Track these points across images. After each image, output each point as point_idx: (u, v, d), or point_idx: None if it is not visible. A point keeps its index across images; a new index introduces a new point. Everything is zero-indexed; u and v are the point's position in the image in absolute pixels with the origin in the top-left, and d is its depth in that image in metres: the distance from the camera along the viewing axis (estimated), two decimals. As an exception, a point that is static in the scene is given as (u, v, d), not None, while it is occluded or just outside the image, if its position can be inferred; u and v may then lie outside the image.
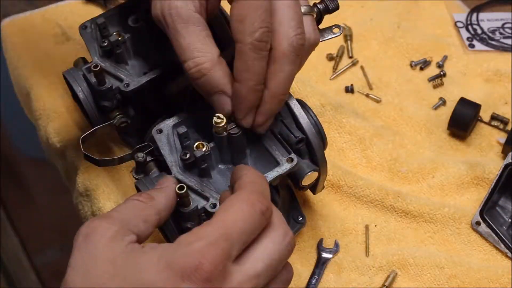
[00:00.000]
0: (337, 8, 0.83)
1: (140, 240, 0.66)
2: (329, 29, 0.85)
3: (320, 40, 0.84)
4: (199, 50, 0.73)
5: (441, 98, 1.10)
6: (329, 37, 0.85)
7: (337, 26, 0.85)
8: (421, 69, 1.14)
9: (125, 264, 0.61)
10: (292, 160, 0.79)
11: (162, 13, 0.74)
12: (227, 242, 0.61)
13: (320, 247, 0.95)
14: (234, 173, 0.72)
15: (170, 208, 0.73)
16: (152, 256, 0.61)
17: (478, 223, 0.96)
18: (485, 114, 1.07)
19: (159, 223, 0.71)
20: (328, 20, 0.85)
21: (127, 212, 0.67)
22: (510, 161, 0.96)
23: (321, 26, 0.84)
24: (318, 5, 0.83)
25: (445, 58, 1.15)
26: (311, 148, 0.83)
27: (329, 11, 0.83)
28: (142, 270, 0.60)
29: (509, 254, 0.94)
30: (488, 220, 0.95)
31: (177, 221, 0.78)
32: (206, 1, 0.75)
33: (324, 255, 0.94)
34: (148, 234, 0.67)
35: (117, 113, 0.92)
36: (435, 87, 1.12)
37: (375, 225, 0.97)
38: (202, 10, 0.75)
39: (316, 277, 0.92)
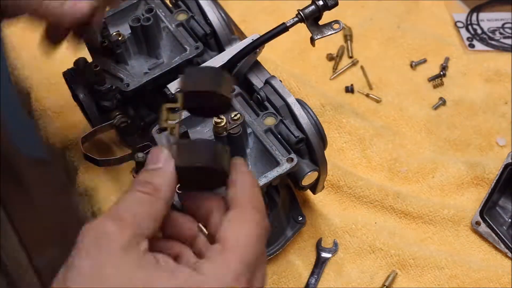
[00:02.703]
0: (336, 4, 0.83)
1: (150, 240, 0.62)
2: (329, 25, 0.84)
3: (320, 36, 0.83)
4: None
5: (441, 98, 1.10)
6: (329, 33, 0.84)
7: (336, 22, 0.84)
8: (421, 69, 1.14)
9: (140, 282, 0.57)
10: (292, 160, 0.79)
11: None
12: (249, 272, 0.59)
13: (319, 247, 0.95)
14: (232, 171, 0.65)
15: (174, 193, 0.64)
16: (170, 279, 0.58)
17: (478, 223, 0.96)
18: (485, 114, 1.07)
19: (165, 217, 0.64)
20: (328, 20, 0.85)
21: (137, 210, 0.61)
22: (510, 161, 0.96)
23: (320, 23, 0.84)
24: (317, 2, 0.82)
25: (445, 58, 1.15)
26: (311, 148, 0.83)
27: (328, 7, 0.82)
28: None
29: (509, 254, 0.94)
30: (488, 220, 0.95)
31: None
32: None
33: (323, 254, 0.94)
34: (155, 232, 0.63)
35: (117, 113, 0.92)
36: (435, 87, 1.12)
37: (375, 222, 0.97)
38: None
39: (316, 276, 0.92)
